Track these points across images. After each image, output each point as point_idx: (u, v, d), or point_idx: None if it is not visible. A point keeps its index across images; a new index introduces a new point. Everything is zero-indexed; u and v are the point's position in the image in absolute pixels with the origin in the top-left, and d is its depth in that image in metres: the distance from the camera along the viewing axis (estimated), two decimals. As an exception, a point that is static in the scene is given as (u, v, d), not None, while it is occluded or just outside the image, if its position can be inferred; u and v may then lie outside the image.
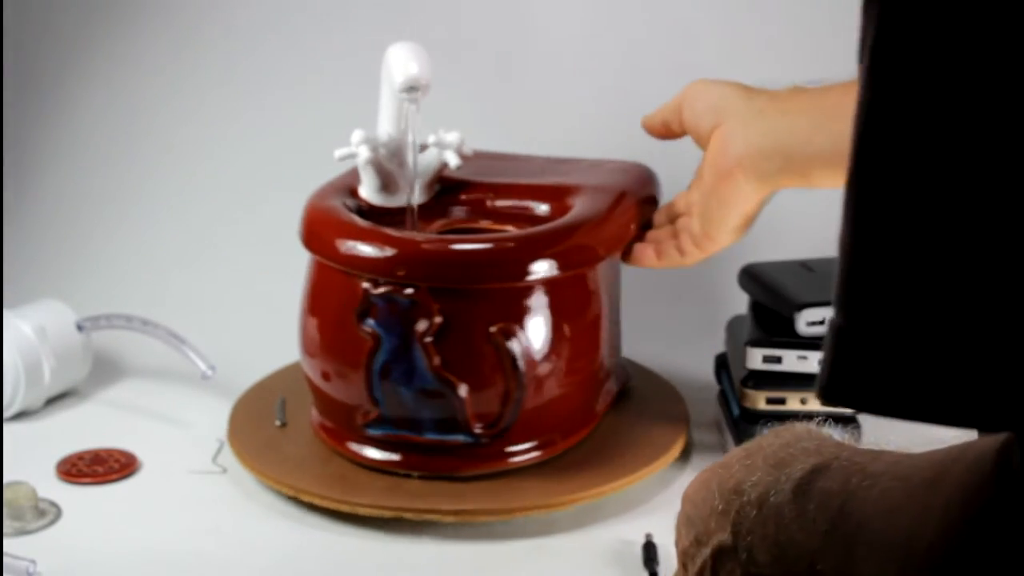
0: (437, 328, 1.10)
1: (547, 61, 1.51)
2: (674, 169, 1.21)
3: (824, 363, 0.61)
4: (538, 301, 1.12)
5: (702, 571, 0.82)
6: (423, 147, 1.22)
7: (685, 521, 0.84)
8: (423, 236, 1.17)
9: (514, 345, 1.10)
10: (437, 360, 1.10)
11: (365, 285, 1.11)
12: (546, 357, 1.12)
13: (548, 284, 1.12)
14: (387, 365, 1.11)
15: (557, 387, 1.13)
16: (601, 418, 1.20)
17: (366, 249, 1.11)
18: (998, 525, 0.62)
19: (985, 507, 0.63)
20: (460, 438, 1.12)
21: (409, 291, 1.09)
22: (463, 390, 1.11)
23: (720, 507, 0.80)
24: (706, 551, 0.81)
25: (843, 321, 0.60)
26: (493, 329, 1.10)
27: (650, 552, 1.06)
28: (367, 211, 1.19)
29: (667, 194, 1.22)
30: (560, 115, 1.50)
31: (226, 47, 1.55)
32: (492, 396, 1.11)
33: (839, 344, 0.60)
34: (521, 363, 1.10)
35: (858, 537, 0.69)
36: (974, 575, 0.63)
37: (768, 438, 0.82)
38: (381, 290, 1.10)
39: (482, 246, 1.13)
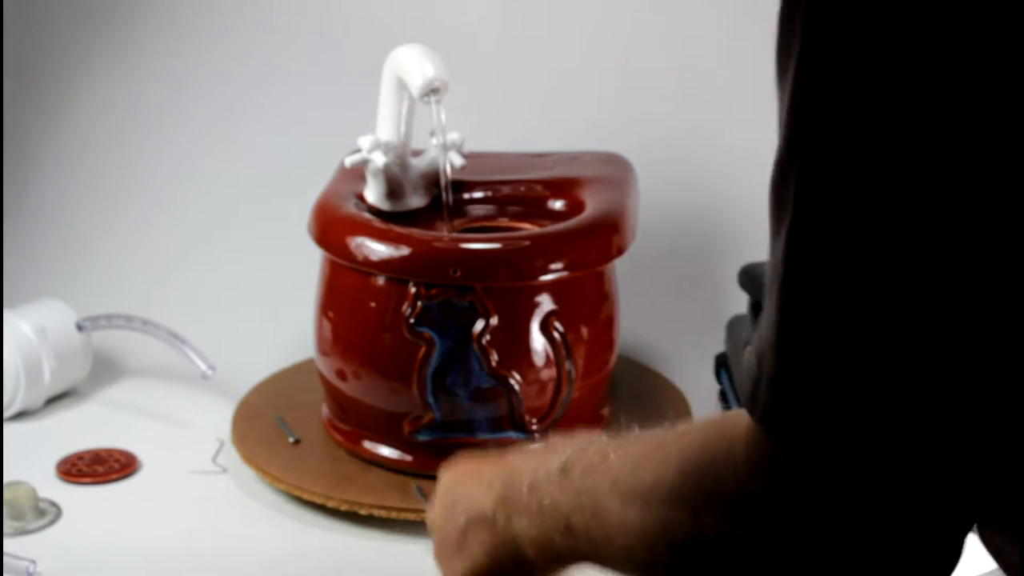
0: (493, 328, 1.11)
1: (547, 61, 1.51)
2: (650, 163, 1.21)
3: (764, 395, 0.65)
4: (578, 291, 1.15)
5: (449, 530, 0.89)
6: (417, 152, 1.22)
7: (445, 488, 0.90)
8: (474, 237, 1.17)
9: (563, 335, 1.13)
10: (495, 359, 1.11)
11: (413, 290, 1.11)
12: (586, 345, 1.15)
13: (592, 276, 1.16)
14: (441, 369, 1.12)
15: (588, 380, 1.16)
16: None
17: (416, 254, 1.11)
18: (726, 460, 0.69)
19: (719, 448, 0.70)
20: (513, 435, 1.13)
21: (466, 294, 1.10)
22: (518, 387, 1.12)
23: (488, 479, 0.87)
24: (461, 514, 0.88)
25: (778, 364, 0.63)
26: (546, 321, 1.12)
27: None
28: (376, 215, 1.20)
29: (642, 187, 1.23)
30: (560, 115, 1.50)
31: (226, 47, 1.55)
32: (544, 390, 1.13)
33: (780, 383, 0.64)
34: (571, 351, 1.13)
35: (610, 489, 0.76)
36: (701, 504, 0.70)
37: (558, 439, 0.87)
38: (435, 293, 1.10)
39: (525, 243, 1.14)
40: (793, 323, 0.63)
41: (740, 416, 0.68)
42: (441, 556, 0.91)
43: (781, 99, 0.62)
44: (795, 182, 0.61)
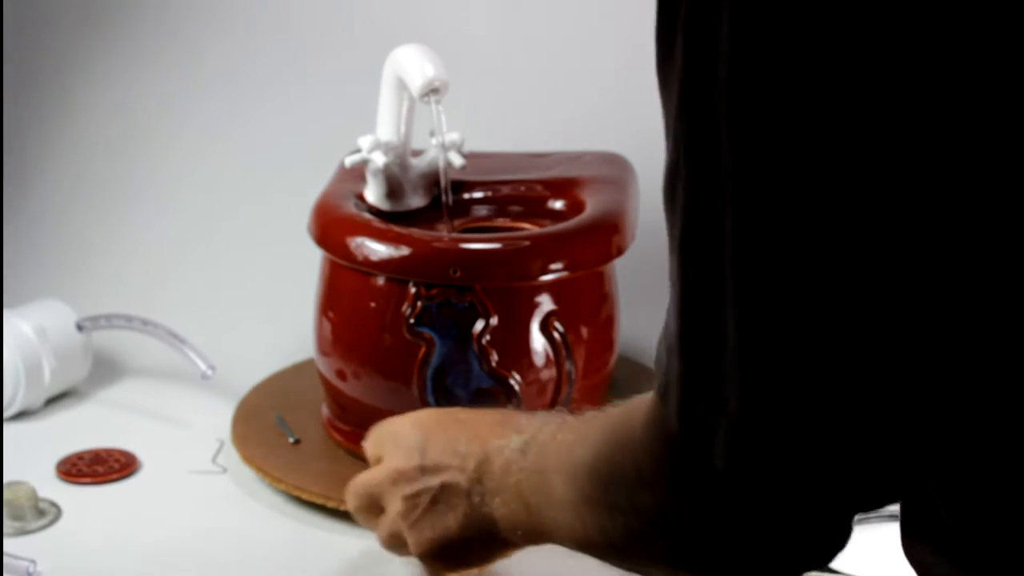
0: (493, 328, 1.11)
1: (547, 61, 1.51)
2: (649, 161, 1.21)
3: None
4: (578, 291, 1.15)
5: (418, 494, 0.93)
6: (417, 152, 1.22)
7: (413, 444, 0.94)
8: (474, 237, 1.18)
9: (563, 335, 1.13)
10: (495, 360, 1.11)
11: (413, 290, 1.11)
12: (586, 346, 1.15)
13: (592, 276, 1.16)
14: (441, 369, 1.11)
15: (588, 380, 1.16)
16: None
17: (416, 254, 1.11)
18: (629, 442, 0.76)
19: (625, 430, 0.77)
20: None
21: (466, 294, 1.10)
22: (518, 387, 1.12)
23: (463, 451, 0.92)
24: (434, 480, 0.92)
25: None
26: (546, 321, 1.12)
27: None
28: (376, 215, 1.20)
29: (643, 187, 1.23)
30: (560, 115, 1.50)
31: (226, 47, 1.55)
32: (544, 391, 1.13)
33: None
34: (571, 351, 1.13)
35: (553, 467, 0.84)
36: (611, 482, 0.78)
37: (522, 414, 0.94)
38: (435, 293, 1.10)
39: (525, 243, 1.15)
40: (692, 327, 0.67)
41: (643, 400, 0.75)
42: (402, 512, 0.94)
43: (666, 109, 0.66)
44: (683, 191, 0.65)
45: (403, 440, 0.95)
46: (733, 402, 0.66)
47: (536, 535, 0.89)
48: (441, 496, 0.92)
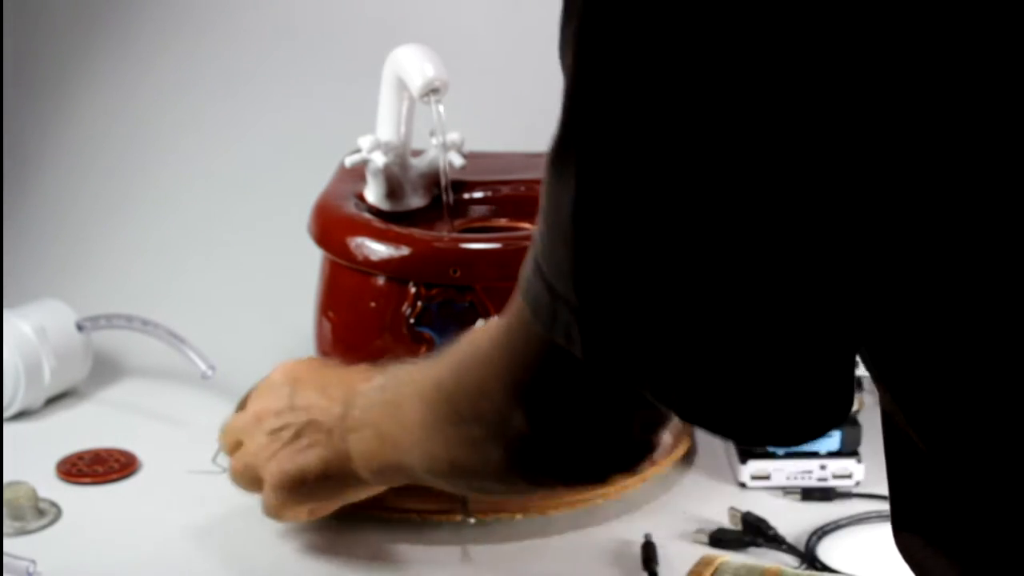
0: None
1: (547, 61, 1.51)
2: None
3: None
4: None
5: (281, 428, 0.99)
6: (417, 152, 1.22)
7: (282, 387, 1.00)
8: (474, 237, 1.17)
9: None
10: None
11: (413, 290, 1.11)
12: None
13: None
14: None
15: None
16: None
17: (416, 254, 1.11)
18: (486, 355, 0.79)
19: (482, 341, 0.80)
20: None
21: (466, 294, 1.10)
22: None
23: (330, 393, 0.97)
24: (299, 417, 0.98)
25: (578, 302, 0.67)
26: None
27: (649, 552, 1.06)
28: (376, 215, 1.20)
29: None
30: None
31: (225, 47, 1.55)
32: None
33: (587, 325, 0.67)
34: None
35: (409, 392, 0.89)
36: (462, 397, 0.82)
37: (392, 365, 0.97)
38: (435, 293, 1.10)
39: (525, 243, 1.12)
40: (589, 267, 0.66)
41: (492, 322, 0.79)
42: (263, 445, 0.99)
43: (563, 59, 0.68)
44: (576, 150, 0.68)
45: (273, 385, 1.01)
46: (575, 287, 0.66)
47: (388, 468, 0.93)
48: (304, 432, 0.97)
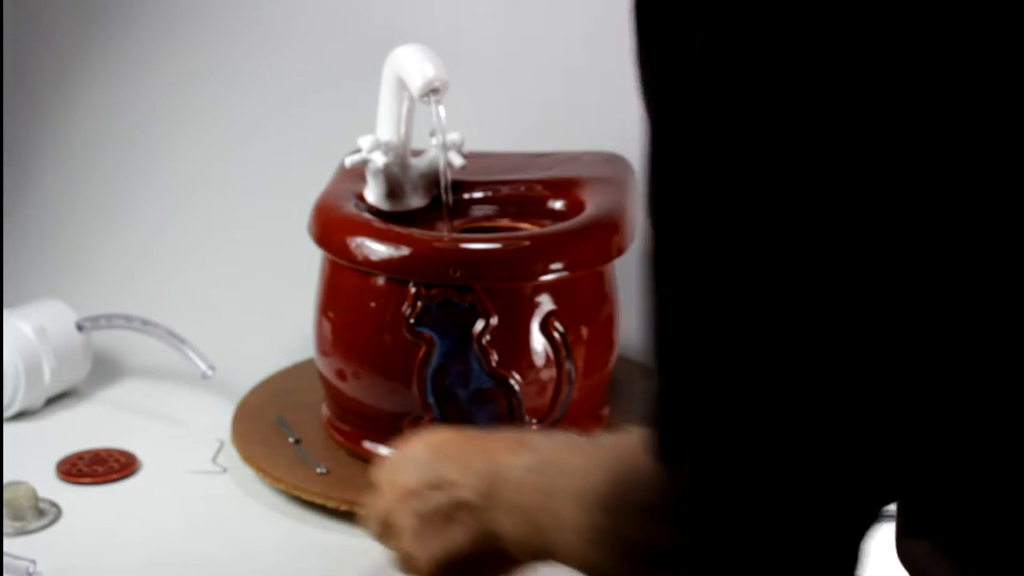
0: (493, 328, 1.11)
1: (547, 61, 1.51)
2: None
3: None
4: (578, 291, 1.15)
5: (429, 511, 0.93)
6: (417, 152, 1.22)
7: (424, 462, 0.94)
8: (474, 237, 1.18)
9: (563, 335, 1.13)
10: (495, 359, 1.11)
11: (413, 290, 1.11)
12: (586, 346, 1.15)
13: (592, 276, 1.16)
14: (441, 369, 1.12)
15: (588, 380, 1.16)
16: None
17: (416, 254, 1.11)
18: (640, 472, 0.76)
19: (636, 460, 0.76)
20: None
21: (466, 294, 1.10)
22: (518, 387, 1.12)
23: (474, 468, 0.91)
24: (444, 497, 0.92)
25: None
26: (546, 321, 1.12)
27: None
28: (376, 215, 1.20)
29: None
30: (560, 115, 1.50)
31: (225, 47, 1.55)
32: (544, 391, 1.13)
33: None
34: (571, 351, 1.13)
35: (564, 491, 0.85)
36: (622, 512, 0.80)
37: (535, 434, 0.95)
38: (435, 293, 1.10)
39: (525, 243, 1.15)
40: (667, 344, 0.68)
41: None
42: (413, 529, 0.94)
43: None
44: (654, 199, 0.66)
45: (414, 459, 0.95)
46: (710, 422, 0.66)
47: (544, 555, 0.89)
48: (451, 512, 0.92)
